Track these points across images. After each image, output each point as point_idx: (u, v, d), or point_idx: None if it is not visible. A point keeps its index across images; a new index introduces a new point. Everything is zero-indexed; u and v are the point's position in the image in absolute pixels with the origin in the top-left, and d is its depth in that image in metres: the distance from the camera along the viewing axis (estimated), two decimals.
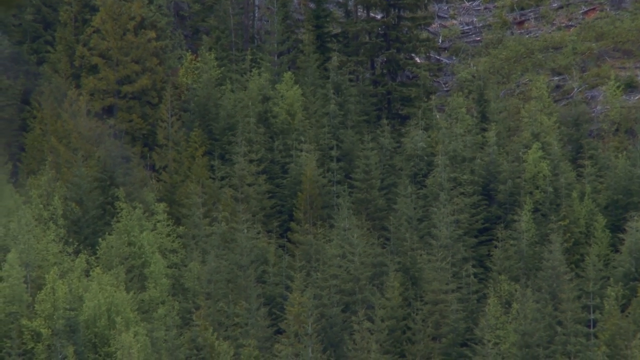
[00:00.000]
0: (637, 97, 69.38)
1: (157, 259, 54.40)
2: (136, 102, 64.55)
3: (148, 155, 63.12)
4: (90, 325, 50.31)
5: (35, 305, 50.23)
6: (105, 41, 65.03)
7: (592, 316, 50.32)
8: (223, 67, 67.46)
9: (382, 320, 51.28)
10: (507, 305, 51.14)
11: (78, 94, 63.04)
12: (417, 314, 51.86)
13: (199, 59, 66.95)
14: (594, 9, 79.65)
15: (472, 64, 73.94)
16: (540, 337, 49.28)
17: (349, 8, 74.67)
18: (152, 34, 65.78)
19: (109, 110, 64.41)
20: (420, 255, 55.62)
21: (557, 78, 71.57)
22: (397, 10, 72.31)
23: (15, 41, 68.13)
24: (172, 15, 72.71)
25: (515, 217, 56.43)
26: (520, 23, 79.28)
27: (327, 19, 73.76)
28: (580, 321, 50.29)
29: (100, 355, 49.80)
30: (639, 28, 74.01)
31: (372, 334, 50.20)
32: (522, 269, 53.97)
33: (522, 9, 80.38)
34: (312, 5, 74.52)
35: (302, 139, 64.64)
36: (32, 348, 48.76)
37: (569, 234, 55.86)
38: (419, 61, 73.94)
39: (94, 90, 64.34)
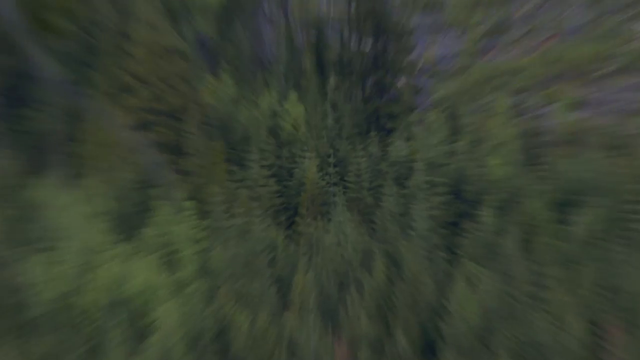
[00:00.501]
0: (585, 114, 68.48)
1: (187, 247, 54.48)
2: (167, 118, 62.63)
3: (177, 162, 61.39)
4: (132, 301, 49.77)
5: (84, 286, 49.06)
6: (141, 66, 63.17)
7: (542, 294, 49.90)
8: (239, 88, 66.87)
9: (370, 295, 52.08)
10: (471, 284, 51.53)
11: (118, 111, 61.83)
12: (398, 291, 52.39)
13: (220, 81, 66.46)
14: (553, 36, 76.49)
15: (446, 86, 72.78)
16: (500, 310, 49.81)
17: (343, 37, 73.02)
18: (180, 61, 64.08)
19: (144, 125, 62.36)
20: (401, 243, 56.14)
21: (517, 97, 69.58)
22: (384, 40, 71.01)
23: (63, 65, 63.66)
24: (197, 44, 70.77)
25: (480, 213, 56.51)
26: (488, 51, 77.69)
27: (326, 48, 72.56)
28: (532, 296, 49.75)
29: (141, 327, 48.78)
30: (592, 53, 71.75)
31: (361, 306, 51.37)
32: (485, 254, 53.84)
33: (491, 37, 78.11)
34: (312, 38, 73.35)
35: (305, 148, 64.48)
36: (82, 324, 47.29)
37: (525, 227, 55.21)
38: (402, 83, 72.66)
39: (132, 108, 62.46)
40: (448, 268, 54.00)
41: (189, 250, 54.66)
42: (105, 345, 45.30)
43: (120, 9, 59.93)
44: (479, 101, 69.66)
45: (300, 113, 67.05)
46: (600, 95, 65.15)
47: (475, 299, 50.34)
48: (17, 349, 40.67)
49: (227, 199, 58.53)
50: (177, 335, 47.59)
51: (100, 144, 60.12)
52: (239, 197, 59.71)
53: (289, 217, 61.54)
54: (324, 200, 62.23)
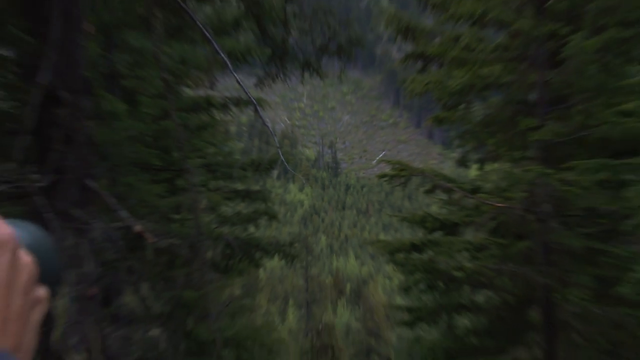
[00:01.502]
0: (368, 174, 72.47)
1: (311, 189, 63.13)
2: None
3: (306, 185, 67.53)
4: (300, 200, 59.46)
5: (294, 200, 57.16)
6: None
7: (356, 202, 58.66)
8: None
9: (335, 198, 63.63)
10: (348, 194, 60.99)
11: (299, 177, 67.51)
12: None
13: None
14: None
15: (344, 172, 76.90)
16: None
17: (329, 168, 75.66)
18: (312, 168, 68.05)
19: (306, 179, 66.93)
20: (340, 191, 66.63)
21: (357, 176, 73.98)
22: (336, 168, 77.67)
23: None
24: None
25: (351, 190, 68.33)
26: (353, 167, 78.10)
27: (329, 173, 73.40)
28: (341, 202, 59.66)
29: (301, 204, 57.77)
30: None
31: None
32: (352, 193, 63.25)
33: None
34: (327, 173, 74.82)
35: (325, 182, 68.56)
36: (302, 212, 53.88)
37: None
38: (339, 171, 76.08)
39: (307, 177, 68.02)
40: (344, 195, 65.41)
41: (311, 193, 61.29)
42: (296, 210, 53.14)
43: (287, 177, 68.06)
44: (350, 177, 76.95)
45: (325, 178, 73.11)
46: (367, 173, 74.46)
47: (351, 199, 65.24)
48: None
49: (312, 184, 69.63)
50: (308, 205, 59.75)
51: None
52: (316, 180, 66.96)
53: (323, 189, 69.78)
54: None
